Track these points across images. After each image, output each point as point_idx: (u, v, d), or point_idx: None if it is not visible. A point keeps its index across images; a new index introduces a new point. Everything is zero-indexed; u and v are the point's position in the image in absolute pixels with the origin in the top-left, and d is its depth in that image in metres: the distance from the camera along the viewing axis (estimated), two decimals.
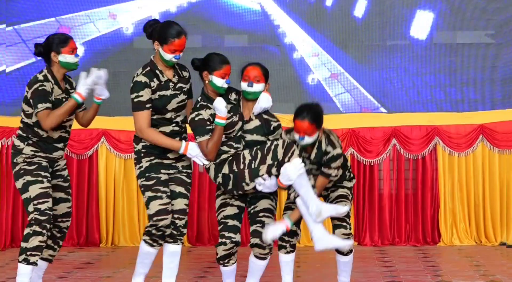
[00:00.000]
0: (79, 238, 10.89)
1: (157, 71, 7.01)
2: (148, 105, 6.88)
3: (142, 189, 6.97)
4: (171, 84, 7.03)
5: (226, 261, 7.10)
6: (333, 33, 11.38)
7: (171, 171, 7.11)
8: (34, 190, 7.06)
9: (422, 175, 10.84)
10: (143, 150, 7.00)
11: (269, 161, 6.80)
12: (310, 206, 6.87)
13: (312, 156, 7.20)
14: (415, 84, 11.23)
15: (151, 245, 6.98)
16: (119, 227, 10.79)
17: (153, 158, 6.97)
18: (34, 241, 6.96)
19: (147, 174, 6.95)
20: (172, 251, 7.15)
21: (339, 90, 11.21)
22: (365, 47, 11.26)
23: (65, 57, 7.19)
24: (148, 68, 7.01)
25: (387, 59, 11.27)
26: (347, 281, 7.47)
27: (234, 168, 6.91)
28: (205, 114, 6.86)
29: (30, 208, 7.04)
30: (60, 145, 7.33)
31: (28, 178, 7.08)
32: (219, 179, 6.96)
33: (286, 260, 7.27)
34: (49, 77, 7.22)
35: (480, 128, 10.80)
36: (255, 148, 6.94)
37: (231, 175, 6.91)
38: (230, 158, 6.97)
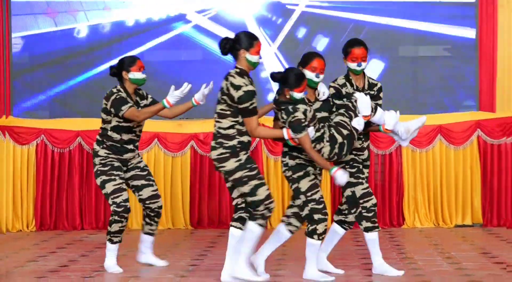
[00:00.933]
0: (98, 222, 10.80)
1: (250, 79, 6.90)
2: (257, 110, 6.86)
3: (246, 179, 6.75)
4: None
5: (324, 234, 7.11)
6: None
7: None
8: (109, 187, 7.49)
9: (389, 168, 10.88)
10: (238, 145, 6.79)
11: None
12: (399, 130, 7.27)
13: (366, 87, 7.37)
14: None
15: (263, 226, 6.90)
16: (132, 212, 10.83)
17: (245, 152, 6.82)
18: (115, 227, 7.55)
19: (248, 166, 6.79)
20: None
21: None
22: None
23: (134, 75, 7.56)
24: (246, 77, 6.84)
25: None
26: (380, 259, 7.40)
27: (344, 134, 6.90)
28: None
29: (109, 201, 7.55)
30: (130, 147, 7.72)
31: (104, 177, 7.54)
32: (336, 150, 6.89)
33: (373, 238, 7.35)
34: (122, 91, 7.59)
35: (438, 128, 10.86)
36: (340, 116, 7.01)
37: (345, 141, 6.89)
38: (331, 132, 6.92)
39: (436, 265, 7.84)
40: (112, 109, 7.44)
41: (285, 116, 6.81)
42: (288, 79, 6.81)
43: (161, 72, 11.21)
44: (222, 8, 11.34)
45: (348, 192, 7.30)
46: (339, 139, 6.92)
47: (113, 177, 7.56)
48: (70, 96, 11.33)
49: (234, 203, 7.09)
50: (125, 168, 7.75)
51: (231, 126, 6.82)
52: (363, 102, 7.04)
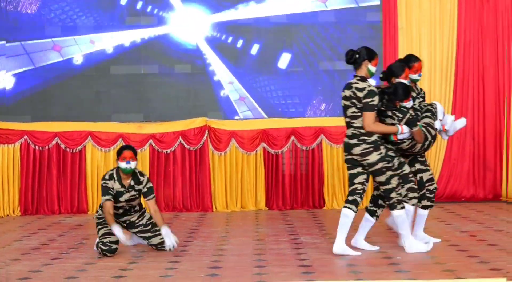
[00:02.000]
0: (72, 208, 10.64)
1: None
2: (376, 108, 6.81)
3: (384, 169, 6.80)
4: None
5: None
6: (248, 68, 11.31)
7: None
8: (100, 232, 7.33)
9: (312, 160, 10.83)
10: (378, 140, 6.80)
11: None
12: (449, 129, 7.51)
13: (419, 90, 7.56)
14: (301, 100, 11.24)
15: (404, 208, 6.96)
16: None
17: (384, 145, 6.91)
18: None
19: (387, 158, 6.84)
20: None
21: (244, 109, 11.28)
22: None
23: (120, 165, 7.14)
24: (366, 81, 6.90)
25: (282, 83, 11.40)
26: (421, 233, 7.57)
27: (432, 134, 7.24)
28: None
29: (97, 241, 7.30)
30: (124, 218, 7.42)
31: (98, 226, 7.39)
32: (425, 146, 7.20)
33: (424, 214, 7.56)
34: (114, 176, 7.24)
35: None
36: (428, 119, 7.31)
37: (432, 140, 7.23)
38: (423, 131, 7.15)
39: (351, 239, 7.87)
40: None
41: (400, 115, 6.97)
42: (397, 94, 6.95)
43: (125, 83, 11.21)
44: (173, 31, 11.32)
45: (417, 177, 7.42)
46: (429, 138, 7.21)
47: (104, 225, 7.31)
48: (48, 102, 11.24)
49: (353, 187, 7.03)
50: (124, 225, 7.45)
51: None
52: (440, 108, 7.39)
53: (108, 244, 7.15)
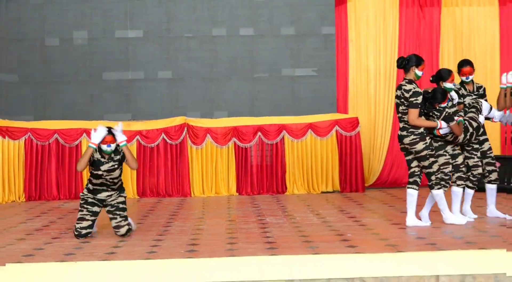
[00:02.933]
0: (70, 194, 10.48)
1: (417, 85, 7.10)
2: (419, 106, 6.99)
3: (428, 156, 7.03)
4: None
5: None
6: (222, 75, 11.29)
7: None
8: (78, 215, 7.08)
9: (275, 153, 10.78)
10: (424, 132, 7.03)
11: None
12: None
13: (474, 90, 7.65)
14: (270, 101, 11.26)
15: (442, 189, 7.17)
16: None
17: (429, 136, 7.10)
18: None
19: (431, 147, 7.05)
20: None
21: (218, 109, 11.21)
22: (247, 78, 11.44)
23: (102, 147, 6.86)
24: (414, 84, 7.04)
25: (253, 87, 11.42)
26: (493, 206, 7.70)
27: (474, 126, 7.37)
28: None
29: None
30: (103, 188, 7.06)
31: (79, 207, 7.11)
32: (467, 137, 7.35)
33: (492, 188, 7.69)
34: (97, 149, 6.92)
35: (309, 125, 10.85)
36: (472, 113, 7.48)
37: (474, 131, 7.39)
38: (465, 124, 7.31)
39: (309, 219, 7.92)
40: None
41: (438, 114, 7.11)
42: (436, 98, 7.09)
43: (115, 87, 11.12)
44: None
45: (465, 163, 7.54)
46: (470, 129, 7.33)
47: (82, 209, 7.03)
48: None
49: (411, 170, 7.20)
50: (101, 205, 7.11)
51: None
52: (485, 105, 7.48)
53: (79, 229, 6.93)
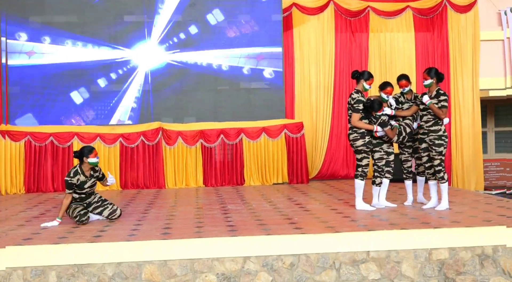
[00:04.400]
0: (63, 188, 10.19)
1: (362, 94, 7.14)
2: (361, 111, 7.03)
3: (362, 152, 7.07)
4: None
5: None
6: (191, 86, 11.12)
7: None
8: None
9: (235, 152, 10.69)
10: (364, 132, 7.05)
11: None
12: None
13: (412, 98, 7.52)
14: (230, 109, 11.13)
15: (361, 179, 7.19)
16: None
17: (368, 136, 7.13)
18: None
19: (367, 144, 7.06)
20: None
21: (188, 115, 11.02)
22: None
23: (91, 160, 6.67)
24: (360, 93, 7.07)
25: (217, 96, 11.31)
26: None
27: (407, 131, 7.33)
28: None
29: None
30: (86, 198, 6.88)
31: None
32: (400, 139, 7.35)
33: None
34: (79, 171, 6.70)
35: (263, 129, 10.83)
36: (408, 121, 7.35)
37: (407, 135, 7.36)
38: (400, 129, 7.28)
39: (263, 206, 7.90)
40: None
41: (374, 120, 7.12)
42: (373, 107, 7.09)
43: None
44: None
45: (399, 157, 7.65)
46: (403, 133, 7.33)
47: (71, 205, 6.85)
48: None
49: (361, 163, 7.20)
50: (85, 205, 6.93)
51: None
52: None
53: (78, 215, 6.74)
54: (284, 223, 6.49)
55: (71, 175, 6.71)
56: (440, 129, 7.09)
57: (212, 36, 11.12)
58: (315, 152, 11.50)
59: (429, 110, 7.08)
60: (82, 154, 6.75)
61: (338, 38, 11.60)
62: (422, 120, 7.15)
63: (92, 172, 6.85)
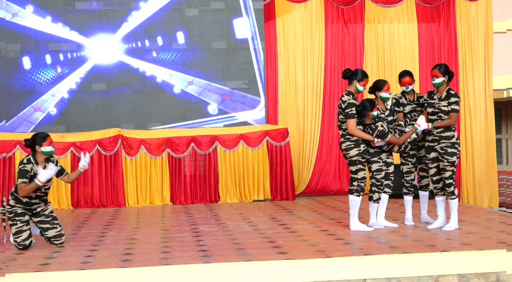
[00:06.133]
0: None
1: (355, 97, 7.22)
2: (355, 116, 7.12)
3: (357, 162, 7.14)
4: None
5: None
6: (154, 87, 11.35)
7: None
8: (13, 229, 6.71)
9: (208, 163, 10.74)
10: (359, 140, 7.12)
11: None
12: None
13: (415, 99, 7.67)
14: (202, 112, 11.21)
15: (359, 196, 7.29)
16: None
17: (364, 144, 7.17)
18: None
19: (363, 154, 7.13)
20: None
21: (153, 120, 11.15)
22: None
23: (45, 148, 6.59)
24: (351, 95, 7.18)
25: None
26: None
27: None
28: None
29: (11, 239, 6.72)
30: (37, 201, 6.73)
31: (10, 221, 6.70)
32: (401, 148, 7.45)
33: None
34: (32, 161, 6.60)
35: (240, 136, 10.88)
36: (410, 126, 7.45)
37: (409, 144, 7.47)
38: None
39: (241, 227, 7.91)
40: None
41: (371, 131, 7.17)
42: (365, 107, 7.13)
43: None
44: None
45: (400, 168, 7.75)
46: (405, 142, 7.40)
47: (15, 222, 6.68)
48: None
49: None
50: (30, 213, 6.79)
51: None
52: (420, 120, 7.21)
53: (22, 243, 6.64)
54: (266, 247, 6.50)
55: (24, 161, 6.57)
56: (453, 136, 7.15)
57: (181, 27, 11.19)
58: (302, 163, 11.57)
59: (440, 113, 7.14)
60: (34, 142, 6.62)
61: (329, 29, 11.70)
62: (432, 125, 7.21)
63: (46, 164, 6.67)
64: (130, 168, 10.66)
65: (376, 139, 7.18)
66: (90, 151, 10.50)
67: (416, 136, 7.48)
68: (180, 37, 11.26)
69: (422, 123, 7.14)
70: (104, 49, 11.11)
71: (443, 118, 7.13)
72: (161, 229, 8.01)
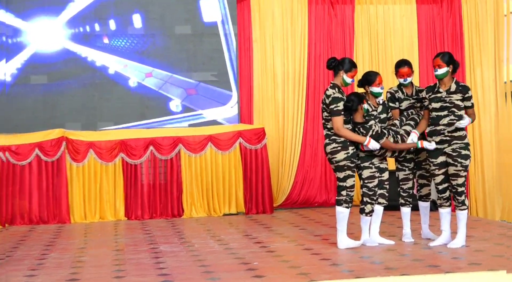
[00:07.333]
0: None
1: (341, 90, 7.30)
2: (342, 113, 7.16)
3: (346, 168, 7.21)
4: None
5: None
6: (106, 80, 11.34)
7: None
8: None
9: (170, 170, 10.72)
10: (347, 141, 7.19)
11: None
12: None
13: (414, 93, 7.73)
14: (163, 109, 11.20)
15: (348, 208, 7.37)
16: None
17: (352, 146, 7.24)
18: None
19: (352, 158, 7.21)
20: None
21: (104, 119, 11.16)
22: None
23: None
24: (337, 88, 7.24)
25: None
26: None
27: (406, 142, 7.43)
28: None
29: None
30: None
31: None
32: (396, 153, 7.51)
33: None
34: None
35: (209, 137, 10.87)
36: (409, 127, 7.46)
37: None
38: (396, 139, 7.39)
39: (209, 247, 7.88)
40: None
41: (364, 132, 7.23)
42: (353, 102, 7.20)
43: None
44: None
45: (396, 175, 7.79)
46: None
47: None
48: None
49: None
50: None
51: None
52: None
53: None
54: (238, 270, 6.48)
55: None
56: (466, 136, 7.24)
57: (138, 9, 11.20)
58: (282, 170, 11.59)
59: (453, 108, 7.19)
60: None
61: (313, 12, 11.74)
62: (441, 123, 7.23)
63: None
64: (76, 177, 10.60)
65: (368, 140, 7.17)
66: (28, 156, 10.44)
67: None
68: (137, 20, 11.29)
69: (428, 145, 7.28)
70: (45, 34, 11.06)
71: (456, 113, 7.17)
72: (114, 249, 7.95)
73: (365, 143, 7.19)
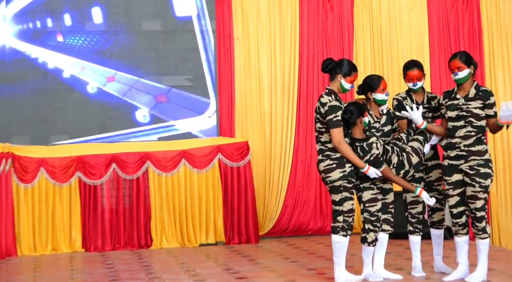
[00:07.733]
0: None
1: (338, 97, 7.30)
2: (342, 124, 7.18)
3: (342, 188, 7.18)
4: None
5: None
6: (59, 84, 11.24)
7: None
8: None
9: (136, 192, 10.71)
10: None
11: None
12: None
13: (425, 101, 7.74)
14: (127, 120, 11.23)
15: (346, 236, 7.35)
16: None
17: (350, 164, 7.19)
18: None
19: (349, 178, 7.17)
20: None
21: (58, 132, 11.14)
22: None
23: None
24: (333, 95, 7.24)
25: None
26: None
27: (413, 162, 7.40)
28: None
29: None
30: None
31: None
32: (401, 175, 7.39)
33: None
34: None
35: (182, 153, 10.86)
36: (417, 143, 7.44)
37: (411, 169, 7.43)
38: (401, 158, 7.39)
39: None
40: None
41: (361, 153, 7.19)
42: (352, 113, 7.17)
43: None
44: None
45: (403, 196, 7.80)
46: (406, 166, 7.37)
47: None
48: None
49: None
50: None
51: (331, 140, 7.20)
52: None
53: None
54: None
55: None
56: (487, 151, 7.24)
57: (99, 1, 11.26)
58: (269, 191, 11.59)
59: (471, 118, 7.18)
60: None
61: (305, 6, 11.78)
62: (457, 135, 7.19)
63: None
64: (24, 200, 10.54)
65: (367, 168, 7.16)
66: None
67: (426, 151, 7.46)
68: (97, 14, 11.35)
69: (426, 198, 7.35)
70: None
71: (474, 124, 7.14)
72: None
73: (363, 171, 7.20)
